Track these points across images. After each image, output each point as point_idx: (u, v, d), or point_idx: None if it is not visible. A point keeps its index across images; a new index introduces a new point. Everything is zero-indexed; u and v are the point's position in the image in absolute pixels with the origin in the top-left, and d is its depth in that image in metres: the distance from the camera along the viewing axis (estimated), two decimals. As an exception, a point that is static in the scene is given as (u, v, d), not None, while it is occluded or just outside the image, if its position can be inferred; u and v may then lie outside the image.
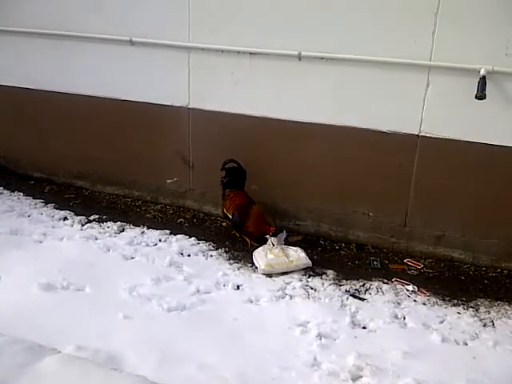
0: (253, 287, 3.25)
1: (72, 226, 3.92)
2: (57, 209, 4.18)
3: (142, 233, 3.87)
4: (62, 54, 4.21)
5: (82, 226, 3.92)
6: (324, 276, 3.42)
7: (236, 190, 3.82)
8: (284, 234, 3.78)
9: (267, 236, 3.66)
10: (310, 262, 3.48)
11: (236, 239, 3.83)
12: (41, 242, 3.65)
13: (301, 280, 3.35)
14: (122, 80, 4.10)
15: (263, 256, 3.46)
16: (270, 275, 3.39)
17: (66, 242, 3.67)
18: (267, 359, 2.61)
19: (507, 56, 3.12)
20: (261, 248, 3.57)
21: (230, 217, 3.78)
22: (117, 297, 3.07)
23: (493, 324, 2.97)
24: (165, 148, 4.17)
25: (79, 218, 4.03)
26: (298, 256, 3.49)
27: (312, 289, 3.27)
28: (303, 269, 3.46)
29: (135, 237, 3.79)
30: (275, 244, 3.57)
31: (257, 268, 3.45)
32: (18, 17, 4.23)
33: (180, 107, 3.99)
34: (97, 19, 4.00)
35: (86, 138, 4.41)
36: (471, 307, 3.14)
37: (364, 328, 2.92)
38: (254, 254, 3.56)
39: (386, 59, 3.35)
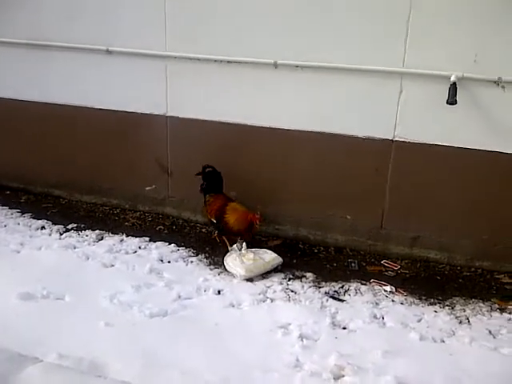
0: (234, 292, 3.28)
1: (50, 235, 3.89)
2: (34, 218, 4.15)
3: (121, 240, 3.87)
4: (38, 63, 4.19)
5: (61, 235, 3.90)
6: (304, 279, 3.47)
7: (215, 194, 3.84)
8: (243, 241, 3.71)
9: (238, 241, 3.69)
10: (281, 259, 3.58)
11: (216, 245, 3.85)
12: (18, 252, 3.62)
13: (281, 283, 3.39)
14: (99, 89, 4.10)
15: (239, 263, 3.47)
16: (251, 279, 3.42)
17: (44, 251, 3.64)
18: (250, 362, 2.63)
19: (476, 63, 3.23)
20: (231, 256, 3.56)
21: (214, 221, 3.79)
22: (97, 305, 3.06)
23: (468, 321, 3.06)
24: (143, 156, 4.18)
25: (57, 227, 4.01)
26: (271, 256, 3.56)
27: (292, 291, 3.31)
28: (275, 267, 3.55)
29: (114, 244, 3.79)
30: (242, 249, 3.59)
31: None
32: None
33: (158, 115, 4.01)
34: (73, 28, 4.00)
35: (62, 147, 4.39)
36: (447, 305, 3.22)
37: (344, 328, 2.97)
38: (226, 262, 3.55)
39: (359, 66, 3.43)
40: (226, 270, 3.53)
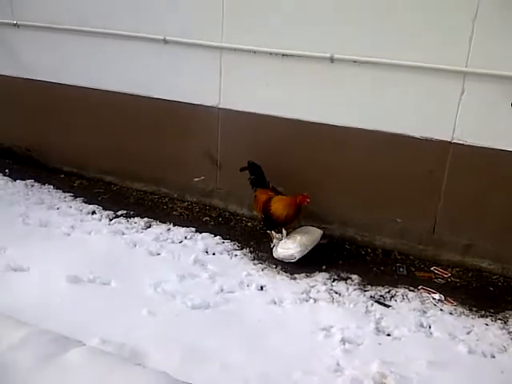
0: (276, 288, 3.25)
1: (100, 220, 3.97)
2: (85, 203, 4.24)
3: (168, 229, 3.90)
4: (96, 50, 4.26)
5: (110, 220, 3.97)
6: (349, 281, 3.40)
7: (262, 188, 3.80)
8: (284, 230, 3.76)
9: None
10: (321, 231, 3.73)
11: (261, 240, 3.82)
12: (69, 235, 3.71)
13: (325, 284, 3.33)
14: (154, 78, 4.13)
15: (290, 243, 3.51)
16: (294, 277, 3.38)
17: (93, 236, 3.72)
18: (290, 362, 2.60)
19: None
20: (279, 244, 3.59)
21: (262, 215, 3.77)
22: (142, 292, 3.10)
23: (521, 337, 2.91)
24: (193, 147, 4.19)
25: (107, 212, 4.08)
26: (312, 229, 3.71)
27: (336, 293, 3.24)
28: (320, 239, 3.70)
29: (161, 233, 3.82)
30: (283, 237, 3.64)
31: (281, 267, 3.47)
32: (54, 11, 4.30)
33: (210, 107, 4.00)
34: (132, 18, 4.03)
35: (116, 134, 4.46)
36: (499, 319, 3.08)
37: (388, 335, 2.89)
38: (276, 252, 3.56)
39: (420, 64, 3.30)
40: (269, 265, 3.50)
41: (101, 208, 4.15)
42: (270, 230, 3.78)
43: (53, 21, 4.31)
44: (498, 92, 3.16)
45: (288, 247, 3.51)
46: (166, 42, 3.96)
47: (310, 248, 3.55)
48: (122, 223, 3.94)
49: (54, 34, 4.36)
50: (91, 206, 4.18)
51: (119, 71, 4.25)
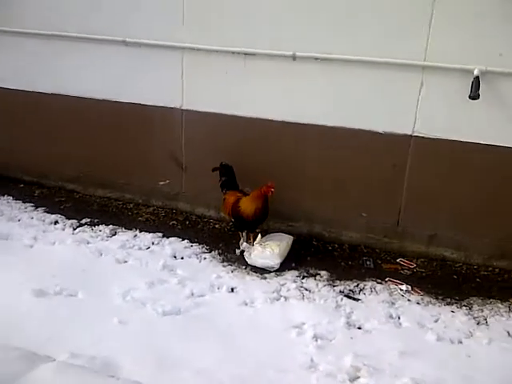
0: (247, 289, 3.25)
1: (63, 229, 3.88)
2: (47, 212, 4.14)
3: (135, 236, 3.84)
4: (52, 54, 4.16)
5: (74, 229, 3.89)
6: (318, 277, 3.43)
7: (231, 190, 3.78)
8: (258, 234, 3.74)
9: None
10: (292, 236, 3.74)
11: (230, 241, 3.82)
12: (31, 247, 3.62)
13: (295, 281, 3.35)
14: (114, 81, 4.06)
15: (269, 254, 3.47)
16: (264, 277, 3.40)
17: (57, 247, 3.64)
18: (264, 362, 2.61)
19: (501, 56, 3.14)
20: (255, 252, 3.53)
21: (232, 219, 3.76)
22: (111, 302, 3.05)
23: (486, 322, 3.00)
24: (157, 150, 4.15)
25: (70, 221, 4.00)
26: (285, 236, 3.71)
27: (307, 290, 3.27)
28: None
29: (128, 240, 3.77)
30: (259, 242, 3.61)
31: (250, 269, 3.48)
32: (9, 14, 4.17)
33: (173, 108, 3.96)
34: (90, 20, 3.95)
35: (76, 140, 4.37)
36: (464, 306, 3.16)
37: (359, 328, 2.93)
38: (252, 259, 3.51)
39: (379, 59, 3.36)
40: (239, 266, 3.50)
41: (64, 217, 4.06)
42: (241, 231, 3.77)
43: (7, 24, 4.18)
44: (456, 85, 3.24)
45: (267, 258, 3.47)
46: (126, 43, 3.90)
47: (285, 256, 3.56)
48: (86, 232, 3.86)
49: (10, 37, 4.23)
50: (53, 215, 4.08)
51: (78, 75, 4.16)
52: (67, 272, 3.29)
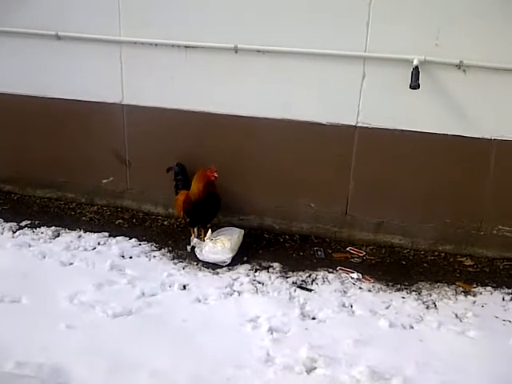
0: (200, 286, 3.19)
1: (2, 233, 3.70)
2: (-17, 216, 3.92)
3: (79, 237, 3.70)
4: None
5: (14, 233, 3.71)
6: (271, 269, 3.42)
7: (184, 190, 3.70)
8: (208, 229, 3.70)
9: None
10: (242, 230, 3.71)
11: (179, 238, 3.74)
12: (-33, 253, 3.41)
13: (248, 275, 3.33)
14: (48, 77, 3.88)
15: (220, 249, 3.44)
16: (216, 272, 3.35)
17: (-4, 252, 3.44)
18: (220, 359, 2.57)
19: (437, 46, 3.22)
20: (207, 247, 3.48)
21: (187, 219, 3.70)
22: (57, 306, 2.92)
23: (435, 306, 3.08)
24: (99, 147, 4.00)
25: (9, 224, 3.81)
26: (236, 230, 3.67)
27: (260, 283, 3.25)
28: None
29: (72, 241, 3.62)
30: (209, 237, 3.57)
31: (202, 265, 3.43)
32: None
33: (113, 104, 3.84)
34: (19, 12, 3.74)
35: (12, 139, 4.15)
36: (414, 291, 3.24)
37: (314, 319, 2.94)
38: (203, 254, 3.46)
39: (321, 51, 3.37)
40: (190, 263, 3.45)
41: (1, 220, 3.86)
42: (194, 227, 3.70)
43: None
44: (397, 75, 3.29)
45: (218, 253, 3.43)
46: (58, 37, 3.73)
47: (237, 250, 3.53)
48: (27, 234, 3.69)
49: None
50: (-10, 219, 3.87)
51: (10, 71, 3.94)
52: (9, 277, 3.13)
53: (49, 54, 3.82)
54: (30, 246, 3.53)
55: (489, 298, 3.17)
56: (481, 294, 3.22)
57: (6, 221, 3.86)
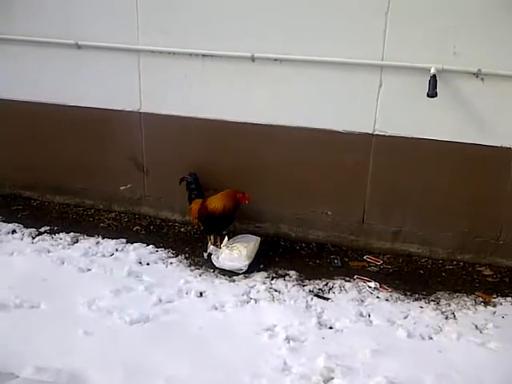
0: (216, 293, 3.20)
1: (22, 239, 3.73)
2: (4, 222, 3.97)
3: (97, 243, 3.73)
4: (4, 59, 3.99)
5: (33, 238, 3.74)
6: (287, 277, 3.41)
7: (198, 198, 3.74)
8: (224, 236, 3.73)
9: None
10: (258, 237, 3.68)
11: (196, 244, 3.75)
12: (-12, 259, 3.45)
13: (264, 283, 3.33)
14: (68, 85, 3.92)
15: (237, 257, 3.44)
16: (233, 280, 3.36)
17: (16, 257, 3.49)
18: (237, 367, 2.56)
19: (455, 55, 3.20)
20: (223, 255, 3.49)
21: (201, 227, 3.72)
22: (75, 312, 2.95)
23: (454, 316, 3.04)
24: (117, 154, 4.03)
25: (29, 230, 3.84)
26: (252, 237, 3.66)
27: (276, 291, 3.24)
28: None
29: (90, 247, 3.65)
30: (226, 244, 3.58)
31: (219, 272, 3.44)
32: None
33: (131, 112, 3.87)
34: (39, 21, 3.81)
35: (32, 146, 4.20)
36: (432, 301, 3.20)
37: (331, 328, 2.92)
38: (220, 262, 3.47)
39: (339, 59, 3.36)
40: (207, 270, 3.45)
41: (21, 226, 3.90)
42: (210, 234, 3.71)
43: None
44: (414, 83, 3.28)
45: (234, 259, 3.44)
46: (78, 46, 3.78)
47: (253, 257, 3.53)
48: (46, 240, 3.72)
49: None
50: (10, 224, 3.91)
51: (29, 79, 3.99)
52: (28, 283, 3.16)
53: (69, 63, 3.87)
54: (48, 252, 3.56)
55: (509, 309, 3.12)
56: (501, 304, 3.18)
57: (26, 226, 3.90)
